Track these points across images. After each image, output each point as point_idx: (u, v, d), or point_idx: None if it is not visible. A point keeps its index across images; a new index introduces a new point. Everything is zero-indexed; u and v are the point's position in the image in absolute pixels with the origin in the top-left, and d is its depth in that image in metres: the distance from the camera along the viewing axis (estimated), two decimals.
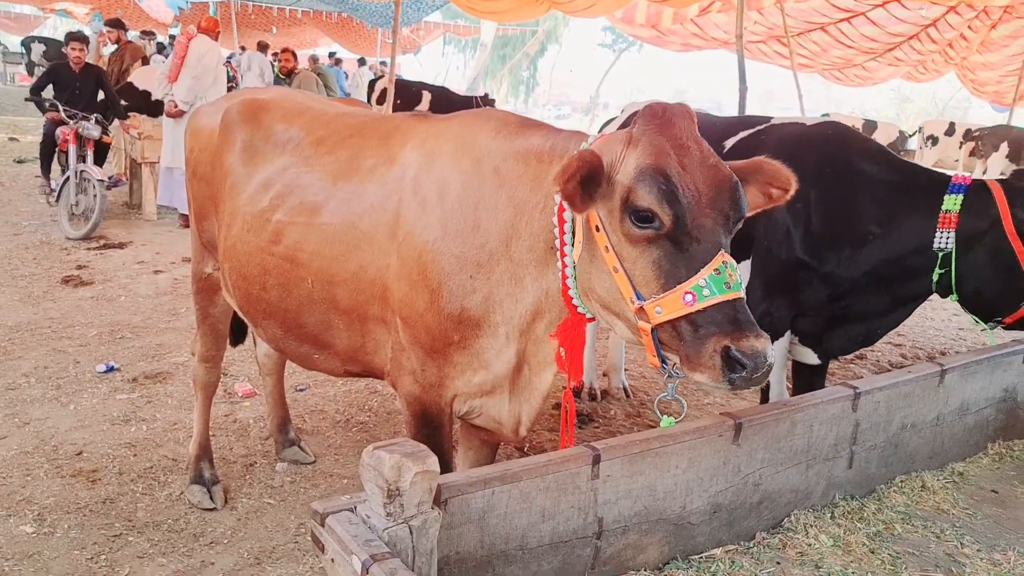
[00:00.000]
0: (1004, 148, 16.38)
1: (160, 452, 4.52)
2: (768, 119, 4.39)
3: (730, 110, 5.36)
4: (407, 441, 1.67)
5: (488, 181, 2.56)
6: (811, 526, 2.43)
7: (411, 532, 1.62)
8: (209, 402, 4.21)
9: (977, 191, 3.48)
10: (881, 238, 3.61)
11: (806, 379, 4.19)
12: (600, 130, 5.52)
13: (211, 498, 4.00)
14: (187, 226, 10.31)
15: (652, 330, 2.03)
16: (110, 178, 10.55)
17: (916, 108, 41.11)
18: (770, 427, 2.33)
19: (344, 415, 5.22)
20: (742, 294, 2.02)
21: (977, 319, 3.58)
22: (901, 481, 2.73)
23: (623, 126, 5.20)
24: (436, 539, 1.69)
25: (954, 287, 3.47)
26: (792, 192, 2.24)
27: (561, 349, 2.40)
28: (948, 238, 3.43)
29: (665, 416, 2.22)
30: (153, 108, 10.92)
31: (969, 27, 15.50)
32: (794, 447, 2.41)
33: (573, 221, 2.27)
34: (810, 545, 2.34)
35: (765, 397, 4.12)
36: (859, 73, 18.34)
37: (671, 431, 2.17)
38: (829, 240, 3.74)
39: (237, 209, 3.25)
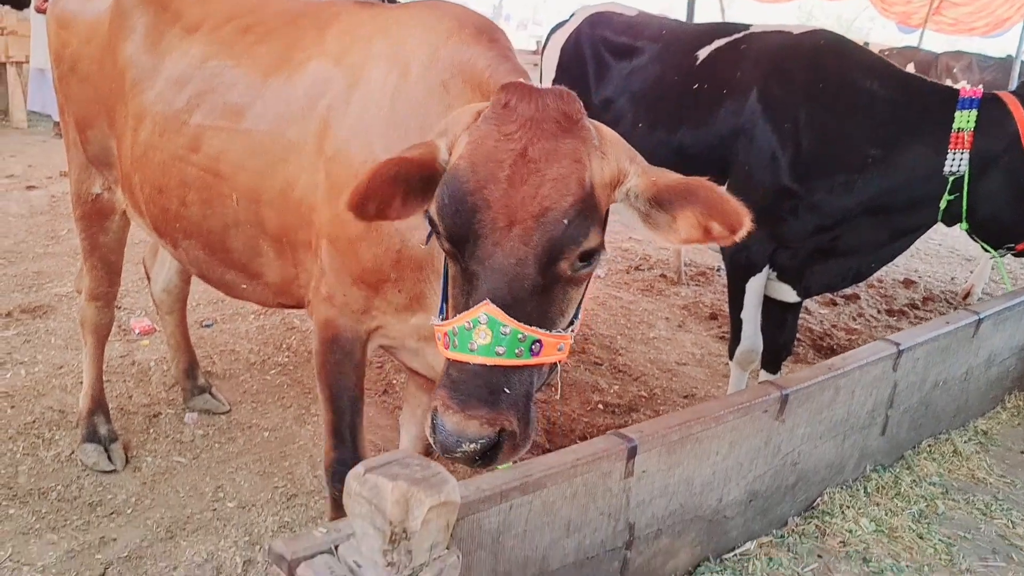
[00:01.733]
0: (911, 69, 16.54)
1: (43, 403, 3.87)
2: (747, 26, 3.92)
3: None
4: (409, 457, 1.18)
5: (435, 98, 2.18)
6: (847, 507, 2.10)
7: None
8: (102, 347, 3.61)
9: (991, 106, 3.15)
10: (882, 162, 3.25)
11: (777, 318, 3.87)
12: (547, 37, 4.98)
13: (109, 458, 3.44)
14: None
15: None
16: None
17: (821, 26, 41.28)
18: (815, 397, 1.96)
19: (259, 355, 4.64)
20: (491, 360, 1.54)
21: (986, 247, 3.28)
22: (929, 446, 2.44)
23: (573, 33, 4.71)
24: None
25: (965, 214, 3.15)
26: (740, 235, 1.60)
27: None
28: (961, 160, 3.10)
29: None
30: None
31: None
32: (834, 418, 2.06)
33: None
34: (851, 532, 2.01)
35: (737, 338, 3.79)
36: None
37: (712, 410, 1.75)
38: (821, 165, 3.36)
39: (144, 109, 2.76)
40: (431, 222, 1.66)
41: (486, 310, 1.54)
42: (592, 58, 4.39)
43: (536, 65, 14.72)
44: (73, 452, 3.49)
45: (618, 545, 1.64)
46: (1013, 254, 3.25)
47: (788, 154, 3.40)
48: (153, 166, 2.73)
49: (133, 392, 4.08)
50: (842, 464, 2.17)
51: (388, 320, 2.33)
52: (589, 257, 1.62)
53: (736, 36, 3.85)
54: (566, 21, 4.79)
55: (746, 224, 1.58)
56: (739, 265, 3.69)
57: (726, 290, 6.38)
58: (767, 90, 3.51)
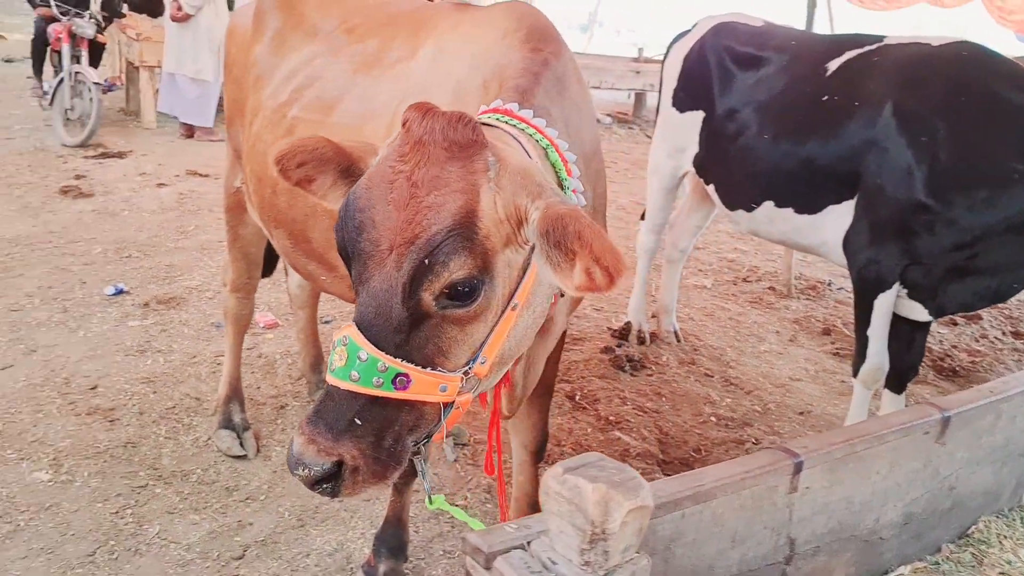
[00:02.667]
0: None
1: (181, 389, 4.09)
2: (880, 38, 3.83)
3: None
4: (603, 460, 1.22)
5: (476, 96, 2.12)
6: (1004, 536, 2.04)
7: None
8: (241, 338, 3.81)
9: None
10: None
11: (906, 337, 3.75)
12: (669, 47, 4.96)
13: (242, 445, 3.62)
14: (189, 136, 9.68)
15: None
16: (105, 81, 9.84)
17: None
18: (976, 420, 1.91)
19: None
20: (344, 384, 1.50)
21: None
22: None
23: (696, 43, 4.68)
24: None
25: None
26: (618, 283, 1.42)
27: None
28: None
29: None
30: (152, 7, 10.16)
31: None
32: (993, 443, 2.01)
33: None
34: (1010, 563, 1.95)
35: (862, 355, 3.70)
36: None
37: (873, 429, 1.74)
38: (960, 180, 3.25)
39: (260, 103, 2.90)
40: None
41: (348, 331, 1.50)
42: (716, 68, 4.35)
43: (638, 72, 14.57)
44: (209, 438, 3.67)
45: (778, 560, 1.64)
46: None
47: (924, 168, 3.31)
48: (257, 156, 2.83)
49: (261, 383, 4.27)
50: (999, 492, 2.11)
51: None
52: (464, 296, 1.50)
53: (870, 47, 3.76)
54: (688, 31, 4.75)
55: (623, 269, 1.41)
56: (868, 280, 3.60)
57: (838, 305, 6.21)
58: (903, 102, 3.43)
